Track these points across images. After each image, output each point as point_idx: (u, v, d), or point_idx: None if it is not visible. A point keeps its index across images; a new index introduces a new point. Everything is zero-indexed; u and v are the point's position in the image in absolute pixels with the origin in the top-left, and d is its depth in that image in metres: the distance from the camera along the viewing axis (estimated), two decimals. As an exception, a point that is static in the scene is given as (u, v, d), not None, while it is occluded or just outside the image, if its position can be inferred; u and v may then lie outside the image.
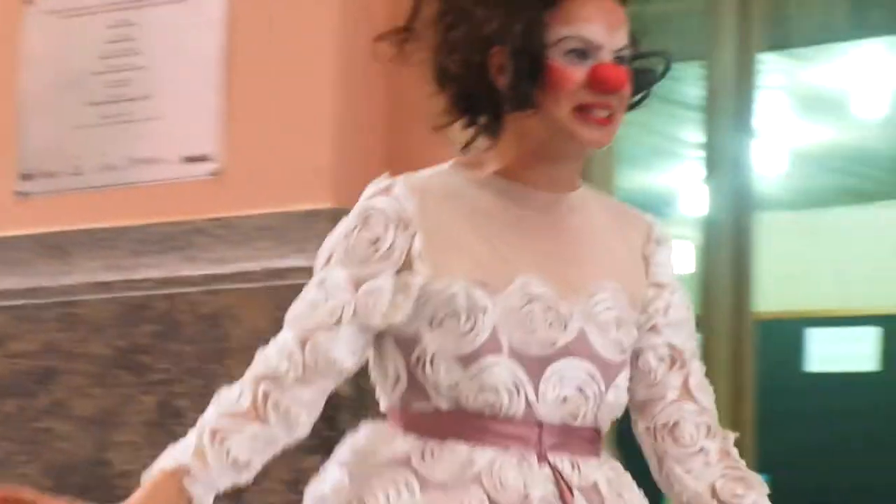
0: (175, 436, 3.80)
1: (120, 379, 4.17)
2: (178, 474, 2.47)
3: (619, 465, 2.68)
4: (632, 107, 2.65)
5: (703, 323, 4.86)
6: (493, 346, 2.55)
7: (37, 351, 4.26)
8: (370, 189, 2.59)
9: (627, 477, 2.67)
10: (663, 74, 2.70)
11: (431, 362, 2.57)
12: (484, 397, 2.55)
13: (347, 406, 3.66)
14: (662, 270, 2.71)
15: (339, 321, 2.53)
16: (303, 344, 2.51)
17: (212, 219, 4.20)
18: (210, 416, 2.50)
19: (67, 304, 4.25)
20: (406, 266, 2.54)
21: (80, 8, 4.37)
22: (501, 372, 2.53)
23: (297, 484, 2.94)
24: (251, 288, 4.09)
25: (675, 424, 2.67)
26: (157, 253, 4.24)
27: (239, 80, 4.23)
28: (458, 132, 2.81)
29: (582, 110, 2.54)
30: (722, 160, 4.95)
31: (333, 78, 4.16)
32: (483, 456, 2.54)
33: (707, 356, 5.05)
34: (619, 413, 2.66)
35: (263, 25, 4.24)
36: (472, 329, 2.54)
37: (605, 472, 2.62)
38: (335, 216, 3.78)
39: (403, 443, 2.58)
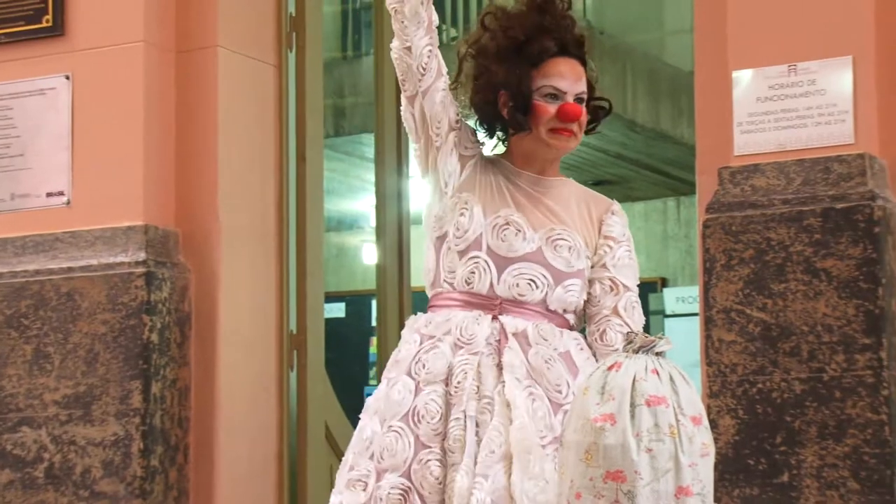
0: (46, 373, 4.32)
1: (9, 334, 4.24)
2: None
3: (563, 330, 2.80)
4: (589, 131, 2.93)
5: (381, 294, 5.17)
6: (476, 245, 2.80)
7: (-46, 317, 4.23)
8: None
9: (557, 330, 2.80)
10: (608, 112, 2.94)
11: (447, 251, 2.83)
12: (466, 277, 2.80)
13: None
14: (612, 230, 2.88)
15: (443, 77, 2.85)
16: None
17: (66, 232, 4.29)
18: None
19: (-26, 287, 4.24)
20: (460, 155, 2.87)
21: (-24, 98, 4.39)
22: (479, 262, 2.79)
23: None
24: (92, 275, 4.20)
25: (604, 332, 2.84)
26: (31, 253, 4.30)
27: (80, 144, 4.32)
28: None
29: (553, 131, 2.83)
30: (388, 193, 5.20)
31: (142, 143, 4.27)
32: (457, 317, 2.78)
33: (380, 321, 5.58)
34: (571, 306, 2.83)
35: (96, 109, 4.32)
36: (465, 233, 2.81)
37: (540, 326, 2.79)
38: (145, 229, 4.18)
39: (422, 318, 2.86)
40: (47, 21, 4.38)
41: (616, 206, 2.95)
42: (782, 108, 3.59)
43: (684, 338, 2.85)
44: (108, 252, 4.24)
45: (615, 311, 2.86)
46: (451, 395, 2.76)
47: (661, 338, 2.48)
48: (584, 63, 2.90)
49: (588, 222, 2.90)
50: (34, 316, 4.26)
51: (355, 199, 10.56)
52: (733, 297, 3.48)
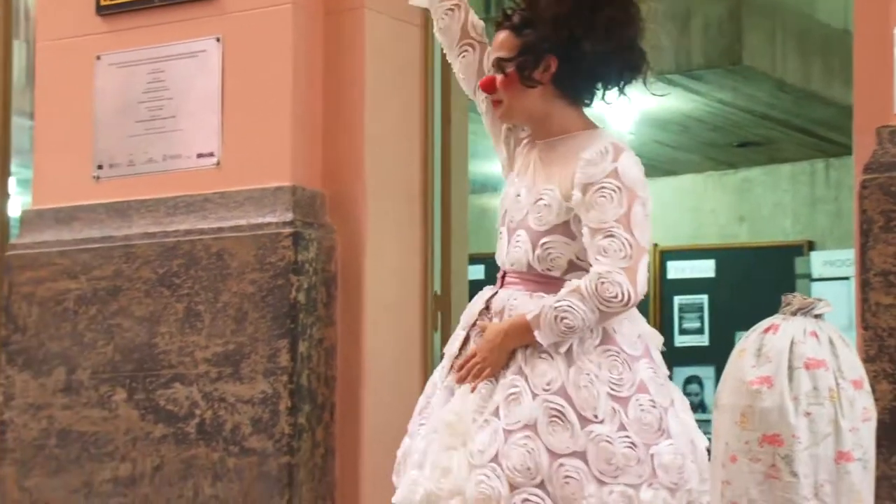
0: (197, 330, 4.46)
1: (161, 293, 4.33)
2: None
3: (548, 297, 2.71)
4: (582, 81, 2.82)
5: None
6: (502, 220, 2.87)
7: (109, 276, 4.39)
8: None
9: (525, 299, 2.76)
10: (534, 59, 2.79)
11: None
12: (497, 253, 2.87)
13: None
14: (583, 173, 2.73)
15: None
16: None
17: (216, 192, 4.35)
18: None
19: (127, 246, 4.38)
20: (516, 138, 2.96)
21: (129, 62, 4.50)
22: (501, 237, 2.86)
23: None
24: (241, 236, 4.26)
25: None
26: (182, 214, 4.38)
27: (229, 105, 4.37)
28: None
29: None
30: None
31: (290, 104, 4.30)
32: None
33: None
34: (557, 264, 2.75)
35: (245, 71, 4.36)
36: (500, 212, 2.89)
37: (513, 296, 2.78)
38: (293, 190, 4.22)
39: None
40: (198, -16, 4.46)
41: (601, 146, 2.75)
42: (946, 64, 3.49)
43: (833, 301, 2.80)
44: (257, 212, 4.30)
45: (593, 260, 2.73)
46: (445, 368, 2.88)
47: (819, 300, 2.44)
48: (516, 25, 2.83)
49: (572, 172, 2.77)
50: (185, 275, 4.34)
51: (497, 162, 10.53)
52: (892, 260, 3.41)
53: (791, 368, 2.36)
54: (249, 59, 4.39)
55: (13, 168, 5.54)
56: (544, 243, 2.78)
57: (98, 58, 4.58)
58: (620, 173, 2.72)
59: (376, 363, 4.39)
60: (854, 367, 2.39)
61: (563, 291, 2.69)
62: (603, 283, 2.65)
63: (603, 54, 2.78)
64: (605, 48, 2.77)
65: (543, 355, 2.72)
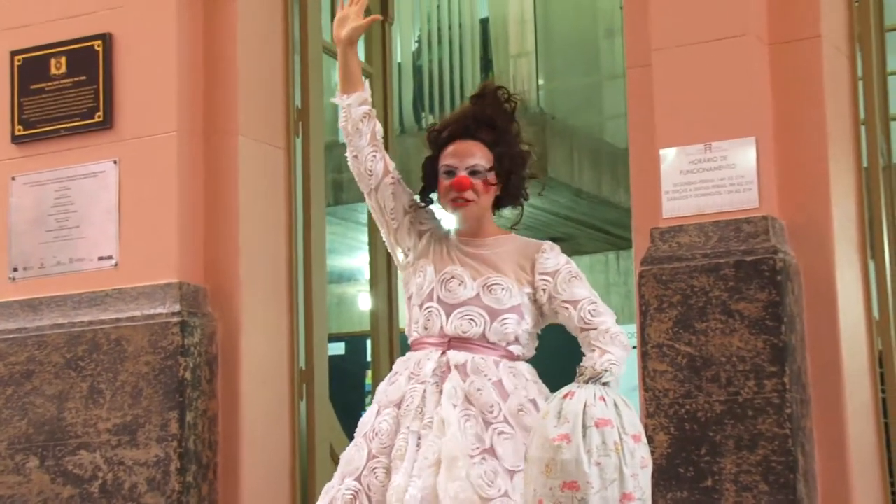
0: (99, 405, 4.28)
1: (69, 374, 4.21)
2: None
3: (501, 361, 2.77)
4: (513, 196, 2.92)
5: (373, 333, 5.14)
6: (430, 298, 2.82)
7: (23, 361, 4.28)
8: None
9: (491, 362, 2.76)
10: (512, 174, 2.90)
11: (413, 307, 2.86)
12: (424, 323, 2.82)
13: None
14: (545, 265, 2.84)
15: (390, 174, 2.91)
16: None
17: (114, 289, 4.27)
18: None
19: (39, 336, 4.27)
20: (418, 231, 2.92)
21: (40, 181, 4.42)
22: (432, 311, 2.81)
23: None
24: (136, 325, 4.18)
25: (585, 350, 2.77)
26: (86, 307, 4.29)
27: (125, 216, 4.31)
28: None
29: (453, 200, 2.86)
30: (379, 251, 5.16)
31: (176, 215, 4.25)
32: (415, 355, 2.81)
33: (374, 357, 5.49)
34: (510, 336, 2.80)
35: (138, 188, 4.30)
36: (422, 289, 2.84)
37: (476, 359, 2.78)
38: (179, 286, 4.13)
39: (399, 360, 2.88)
40: (99, 117, 4.41)
41: (546, 245, 2.91)
42: (701, 179, 3.62)
43: (624, 368, 2.87)
44: (149, 305, 4.23)
45: (580, 329, 2.81)
46: (401, 416, 2.77)
47: (606, 371, 2.49)
48: (487, 141, 2.89)
49: (522, 267, 2.86)
50: (89, 359, 4.25)
51: (352, 257, 10.54)
52: (664, 335, 3.50)
53: (585, 427, 2.39)
54: (141, 178, 4.36)
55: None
56: (503, 319, 2.80)
57: (13, 178, 4.51)
58: (569, 261, 2.88)
59: (252, 429, 4.33)
60: (634, 424, 2.44)
61: (596, 354, 2.72)
62: (618, 334, 2.76)
63: (522, 179, 2.93)
64: (523, 176, 2.94)
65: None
